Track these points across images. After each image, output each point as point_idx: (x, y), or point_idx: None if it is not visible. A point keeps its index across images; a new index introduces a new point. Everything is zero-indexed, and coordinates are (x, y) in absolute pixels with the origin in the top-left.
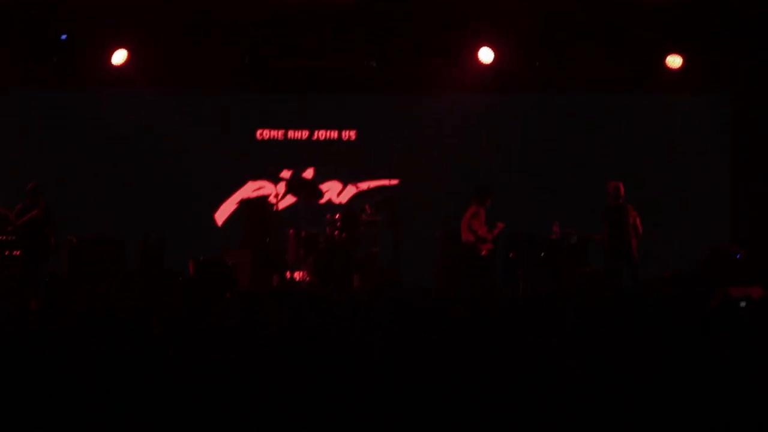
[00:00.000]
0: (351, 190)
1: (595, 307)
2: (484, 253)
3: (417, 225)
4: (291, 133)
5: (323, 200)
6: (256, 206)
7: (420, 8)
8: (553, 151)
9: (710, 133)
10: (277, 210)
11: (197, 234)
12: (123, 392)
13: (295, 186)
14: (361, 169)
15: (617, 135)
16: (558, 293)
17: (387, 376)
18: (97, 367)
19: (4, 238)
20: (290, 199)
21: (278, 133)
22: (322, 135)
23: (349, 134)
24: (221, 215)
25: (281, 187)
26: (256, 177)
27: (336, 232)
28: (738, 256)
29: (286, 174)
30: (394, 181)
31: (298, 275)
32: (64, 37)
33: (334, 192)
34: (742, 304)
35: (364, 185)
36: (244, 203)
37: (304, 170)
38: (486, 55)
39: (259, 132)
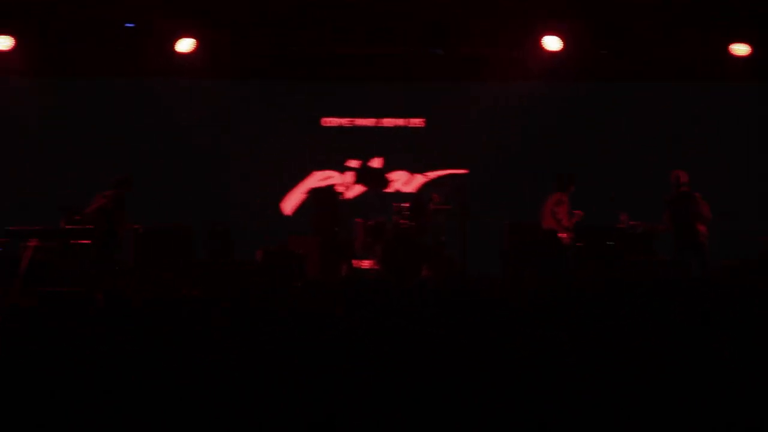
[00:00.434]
0: (419, 180)
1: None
2: (566, 240)
3: (484, 213)
4: (358, 121)
5: (391, 189)
6: (325, 194)
7: None
8: (618, 139)
9: None
10: (344, 199)
11: (265, 223)
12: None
13: (363, 175)
14: (427, 156)
15: (682, 124)
16: (625, 283)
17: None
18: (162, 357)
19: (74, 227)
20: (358, 188)
21: (344, 121)
22: (389, 122)
23: (417, 122)
24: (289, 205)
25: (349, 176)
26: (322, 166)
27: (404, 221)
28: None
29: (353, 163)
30: (463, 171)
31: (365, 264)
32: (129, 25)
33: (402, 181)
34: None
35: (432, 174)
36: (312, 192)
37: (371, 159)
38: (552, 43)
39: (325, 120)
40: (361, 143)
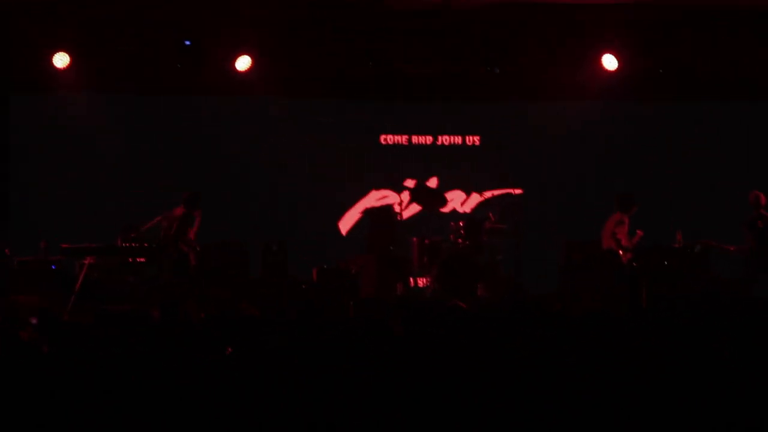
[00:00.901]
0: (475, 199)
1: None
2: (624, 261)
3: (540, 233)
4: (415, 138)
5: (447, 209)
6: (381, 213)
7: (544, 15)
8: (674, 158)
9: None
10: (401, 218)
11: (321, 242)
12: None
13: (419, 194)
14: (484, 175)
15: (739, 142)
16: (681, 302)
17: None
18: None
19: (129, 244)
20: (415, 208)
21: (402, 138)
22: (446, 140)
23: (473, 139)
24: (345, 224)
25: (405, 195)
26: (380, 185)
27: (459, 240)
28: None
29: (410, 183)
30: (518, 190)
31: (421, 282)
32: (187, 42)
33: (458, 201)
34: None
35: (488, 194)
36: (368, 211)
37: (428, 179)
38: (610, 62)
39: (383, 137)
40: (418, 160)
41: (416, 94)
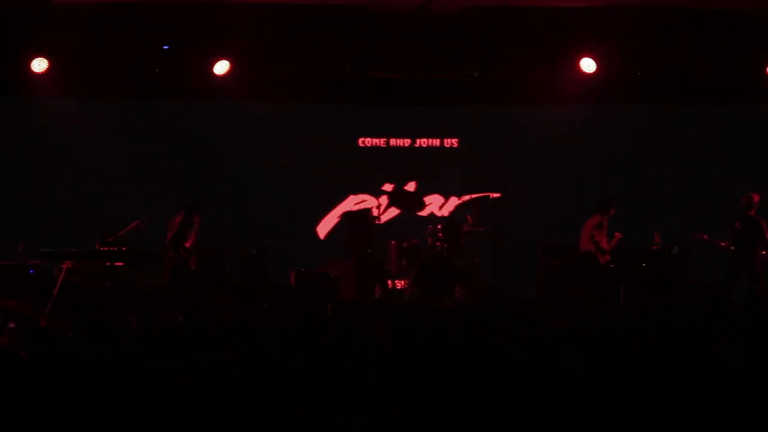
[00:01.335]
0: (453, 202)
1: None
2: (602, 263)
3: (518, 235)
4: (393, 141)
5: (426, 212)
6: (359, 217)
7: (522, 19)
8: (654, 161)
9: None
10: (379, 222)
11: (299, 246)
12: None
13: (397, 198)
14: (462, 178)
15: (718, 146)
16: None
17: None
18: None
19: (108, 249)
20: (393, 212)
21: (380, 141)
22: (424, 143)
23: (452, 142)
24: (324, 228)
25: (383, 199)
26: (358, 189)
27: (438, 243)
28: None
29: (388, 187)
30: (496, 194)
31: (399, 285)
32: (166, 47)
33: (436, 205)
34: None
35: (466, 197)
36: (346, 215)
37: (406, 183)
38: (588, 65)
39: (361, 140)
40: (397, 165)
41: (394, 97)
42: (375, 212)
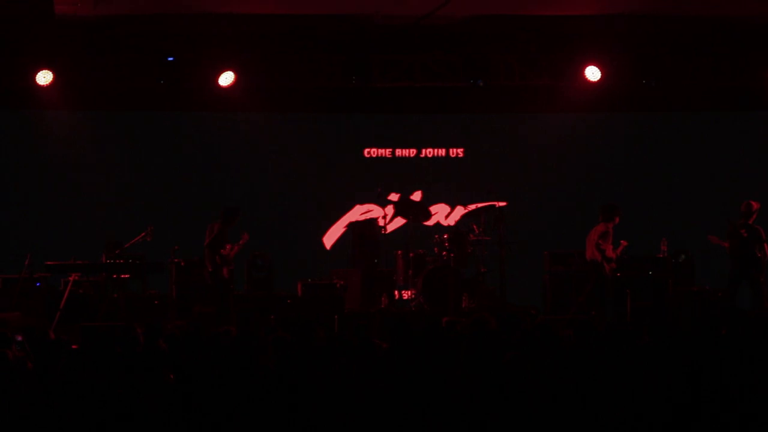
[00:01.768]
0: (459, 211)
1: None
2: (608, 272)
3: (524, 244)
4: (399, 152)
5: (432, 222)
6: (365, 227)
7: (527, 28)
8: (660, 169)
9: None
10: (385, 232)
11: (306, 257)
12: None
13: (403, 208)
14: (468, 188)
15: (723, 153)
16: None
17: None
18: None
19: (114, 261)
20: (399, 222)
21: (386, 152)
22: (429, 153)
23: (457, 152)
24: (330, 238)
25: (389, 209)
26: (364, 199)
27: (444, 253)
28: None
29: (394, 197)
30: (502, 203)
31: (406, 295)
32: (170, 59)
33: (442, 214)
34: None
35: (472, 206)
36: (352, 225)
37: (412, 193)
38: (593, 73)
39: (366, 150)
40: (403, 173)
41: (400, 107)
42: (381, 222)
